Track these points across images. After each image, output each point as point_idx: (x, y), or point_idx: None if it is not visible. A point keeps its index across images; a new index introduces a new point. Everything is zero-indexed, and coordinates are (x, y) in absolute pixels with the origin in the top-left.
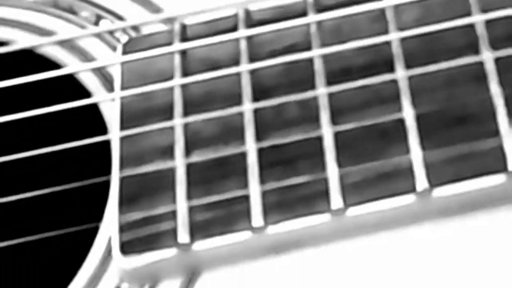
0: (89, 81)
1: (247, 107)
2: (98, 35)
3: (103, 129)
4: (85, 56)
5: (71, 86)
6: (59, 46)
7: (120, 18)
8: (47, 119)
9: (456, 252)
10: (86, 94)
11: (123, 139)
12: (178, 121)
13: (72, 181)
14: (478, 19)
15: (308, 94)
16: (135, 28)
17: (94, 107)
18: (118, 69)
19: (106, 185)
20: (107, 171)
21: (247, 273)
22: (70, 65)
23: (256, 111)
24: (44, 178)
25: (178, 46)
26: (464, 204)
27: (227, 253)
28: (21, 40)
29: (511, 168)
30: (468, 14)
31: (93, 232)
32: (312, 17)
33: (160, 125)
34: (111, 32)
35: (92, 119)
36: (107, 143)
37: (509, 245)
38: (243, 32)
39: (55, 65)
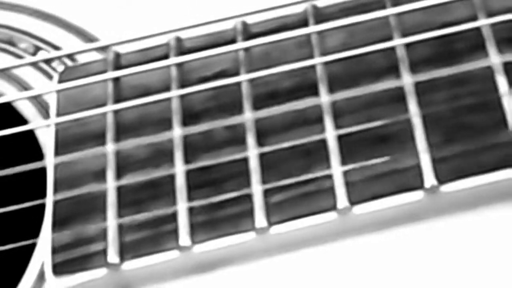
0: (26, 109)
1: (177, 132)
2: (35, 65)
3: (40, 154)
4: (22, 85)
5: (7, 114)
6: None
7: (58, 49)
8: None
9: (376, 267)
10: (23, 121)
11: (57, 165)
12: (110, 147)
13: (9, 204)
14: (398, 42)
15: (235, 119)
16: (72, 58)
17: (31, 134)
18: (54, 96)
19: (43, 207)
20: (44, 193)
21: None
22: (7, 93)
23: (185, 136)
24: None
25: (111, 74)
26: (384, 221)
27: (156, 272)
28: None
29: (428, 185)
30: (390, 38)
31: (30, 253)
32: (240, 44)
33: (93, 151)
34: (48, 62)
35: (28, 146)
36: (43, 168)
37: (427, 259)
38: (173, 60)
39: None
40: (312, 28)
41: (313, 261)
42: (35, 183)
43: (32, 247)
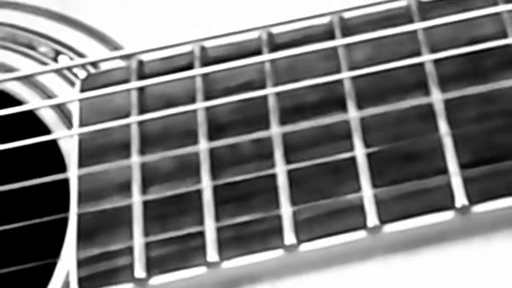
0: (48, 116)
1: (203, 146)
2: (57, 71)
3: (62, 164)
4: (44, 92)
5: (30, 121)
6: (19, 82)
7: (77, 53)
8: (5, 154)
9: (404, 286)
10: (45, 129)
11: (81, 177)
12: (135, 159)
13: (31, 217)
14: (427, 58)
15: (262, 134)
16: (93, 64)
17: (54, 144)
18: (76, 105)
19: (64, 221)
20: (66, 206)
21: None
22: (30, 100)
23: (211, 149)
24: (2, 213)
25: (134, 83)
26: (413, 240)
27: None
28: None
29: (458, 205)
30: (418, 53)
31: (51, 268)
32: (267, 56)
33: (118, 163)
34: (69, 68)
35: (51, 156)
36: (65, 179)
37: (457, 280)
38: (198, 70)
39: (14, 100)
40: (339, 41)
41: (342, 280)
42: (57, 194)
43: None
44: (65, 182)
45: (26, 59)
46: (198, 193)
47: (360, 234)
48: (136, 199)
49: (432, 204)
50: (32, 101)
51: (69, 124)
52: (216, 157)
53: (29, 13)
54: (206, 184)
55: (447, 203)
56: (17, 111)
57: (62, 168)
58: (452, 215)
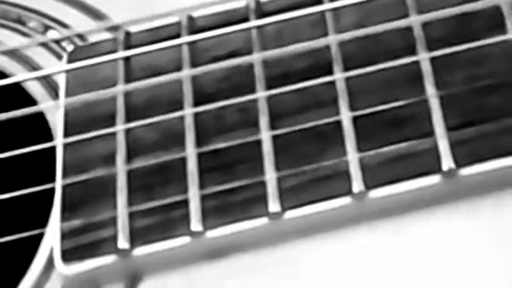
0: (35, 89)
1: (187, 112)
2: (45, 45)
3: (49, 137)
4: (31, 65)
5: (16, 94)
6: (6, 55)
7: (67, 28)
8: None
9: (392, 253)
10: (32, 101)
11: (66, 147)
12: (120, 127)
13: (18, 188)
14: (415, 20)
15: (247, 98)
16: (82, 37)
17: (40, 115)
18: (63, 78)
19: (52, 192)
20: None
21: (188, 277)
22: (17, 74)
23: (196, 116)
24: None
25: (120, 54)
26: (400, 205)
27: (167, 258)
28: None
29: (445, 168)
30: (406, 16)
31: (39, 240)
32: (253, 23)
33: (102, 131)
34: (57, 42)
35: (37, 127)
36: (53, 152)
37: (444, 246)
38: (184, 39)
39: (2, 74)
40: (326, 6)
41: (327, 246)
42: (43, 168)
43: (41, 234)
44: (52, 156)
45: (15, 34)
46: (183, 161)
47: (346, 200)
48: (120, 168)
49: (419, 168)
50: (19, 74)
51: (55, 96)
52: (201, 125)
53: None
54: (190, 152)
55: (434, 167)
56: (4, 84)
57: (50, 140)
58: (439, 178)
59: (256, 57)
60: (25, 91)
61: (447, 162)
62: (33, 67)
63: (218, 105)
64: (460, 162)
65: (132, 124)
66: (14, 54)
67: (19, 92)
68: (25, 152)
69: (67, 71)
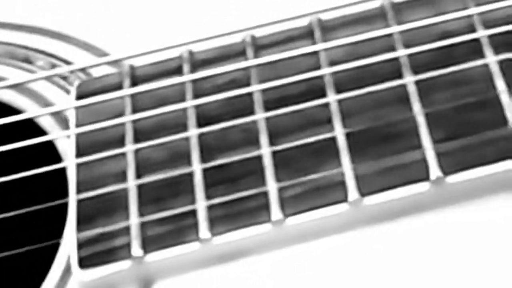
0: (44, 119)
1: (192, 132)
2: (52, 80)
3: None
4: (40, 100)
5: (27, 126)
6: (15, 90)
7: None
8: (4, 158)
9: (386, 255)
10: (42, 133)
11: (79, 166)
12: (129, 147)
13: (32, 205)
14: (401, 53)
15: (248, 119)
16: (86, 73)
17: (50, 145)
18: (73, 111)
19: (64, 211)
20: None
21: (197, 281)
22: (26, 108)
23: (200, 136)
24: (5, 203)
25: (128, 90)
26: (392, 211)
27: (178, 263)
28: None
29: (433, 177)
30: (393, 49)
31: (54, 251)
32: (251, 61)
33: (113, 152)
34: (64, 78)
35: (48, 157)
36: (64, 178)
37: (434, 247)
38: (187, 77)
39: (12, 109)
40: (320, 46)
41: (327, 250)
42: (54, 193)
43: (54, 246)
44: (63, 183)
45: (23, 72)
46: (190, 176)
47: (342, 207)
48: (131, 183)
49: (409, 177)
50: (30, 109)
51: (65, 127)
52: (206, 144)
53: (25, 31)
54: (196, 167)
55: (423, 176)
56: (17, 119)
57: (61, 170)
58: (428, 186)
59: (254, 88)
60: (35, 123)
61: (434, 171)
62: (42, 101)
63: (220, 126)
64: (447, 170)
65: (141, 145)
66: (23, 89)
67: (29, 125)
68: (38, 172)
69: (77, 107)
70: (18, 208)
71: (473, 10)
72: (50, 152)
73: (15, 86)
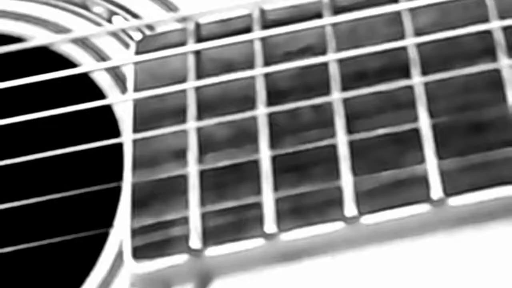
0: (102, 79)
1: (261, 111)
2: (112, 33)
3: (116, 130)
4: (98, 54)
5: (84, 85)
6: (73, 43)
7: (132, 14)
8: (58, 118)
9: (470, 261)
10: (99, 92)
11: (135, 142)
12: (191, 125)
13: (83, 185)
14: (495, 25)
15: (323, 99)
16: (149, 26)
17: (107, 107)
18: (131, 69)
19: (118, 189)
20: (119, 175)
21: (259, 280)
22: (84, 63)
23: (270, 115)
24: (55, 181)
25: (191, 46)
26: (480, 214)
27: (239, 260)
28: (35, 37)
29: None
30: (486, 20)
31: (104, 237)
32: (328, 19)
33: (173, 128)
34: (124, 30)
35: (104, 119)
36: (119, 146)
37: None
38: (257, 34)
39: (69, 63)
40: (403, 5)
41: (402, 255)
42: (111, 161)
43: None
44: (119, 151)
45: (80, 19)
46: (256, 162)
47: (424, 207)
48: (192, 168)
49: (500, 177)
50: (86, 63)
51: (123, 88)
52: (275, 124)
53: None
54: (264, 153)
55: None
56: (71, 73)
57: (117, 134)
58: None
59: (330, 57)
60: (92, 81)
61: None
62: (101, 56)
63: (292, 105)
64: None
65: (203, 123)
66: (81, 42)
67: (86, 82)
68: (91, 147)
69: (135, 63)
70: (66, 184)
71: None
72: (106, 115)
73: (75, 40)
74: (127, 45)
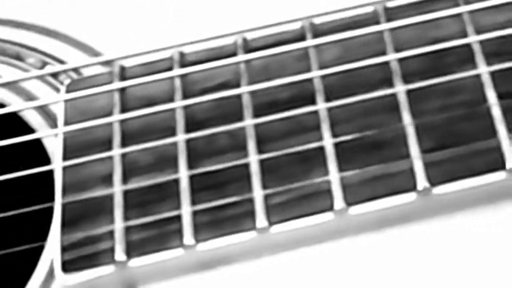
0: (33, 118)
1: (180, 137)
2: (43, 79)
3: (47, 163)
4: (30, 98)
5: (15, 124)
6: (5, 88)
7: (62, 62)
8: None
9: (372, 265)
10: (30, 130)
11: (65, 169)
12: (116, 151)
13: (18, 207)
14: (392, 57)
15: (236, 125)
16: (78, 72)
17: (39, 145)
18: (61, 106)
19: (50, 213)
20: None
21: (180, 287)
22: (15, 104)
23: (188, 141)
24: None
25: (117, 84)
26: (379, 221)
27: (161, 269)
28: None
29: (420, 187)
30: (383, 53)
31: (38, 253)
32: (241, 57)
33: (100, 155)
34: (55, 76)
35: (36, 155)
36: (50, 178)
37: (420, 257)
38: (177, 71)
39: (1, 106)
40: (309, 42)
41: (311, 259)
42: (41, 193)
43: (40, 247)
44: (50, 182)
45: (14, 69)
46: (176, 181)
47: (328, 216)
48: (117, 188)
49: (396, 187)
50: (17, 103)
51: (54, 126)
52: (193, 149)
53: (16, 28)
54: (183, 173)
55: (410, 186)
56: (3, 112)
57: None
58: (415, 196)
59: (243, 89)
60: (24, 122)
61: (421, 181)
62: (32, 99)
63: (208, 132)
64: (434, 181)
65: (128, 149)
66: (13, 87)
67: (18, 122)
68: (24, 174)
69: (65, 101)
70: (3, 207)
71: (464, 9)
72: (37, 150)
73: (6, 85)
74: (58, 90)
